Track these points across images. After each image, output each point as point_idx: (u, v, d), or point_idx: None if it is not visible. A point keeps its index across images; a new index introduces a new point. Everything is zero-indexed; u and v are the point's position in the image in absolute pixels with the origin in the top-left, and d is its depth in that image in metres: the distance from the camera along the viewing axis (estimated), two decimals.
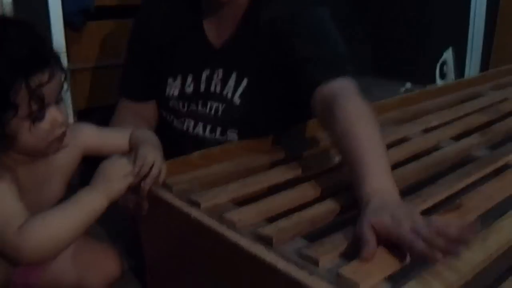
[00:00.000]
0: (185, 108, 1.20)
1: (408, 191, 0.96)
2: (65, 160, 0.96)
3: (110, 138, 1.02)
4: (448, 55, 3.08)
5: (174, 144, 1.10)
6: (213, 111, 1.17)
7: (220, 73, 1.16)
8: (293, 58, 1.07)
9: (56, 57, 0.84)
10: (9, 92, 0.78)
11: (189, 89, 1.18)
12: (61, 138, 0.88)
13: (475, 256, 0.72)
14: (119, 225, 0.96)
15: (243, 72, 1.15)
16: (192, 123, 1.20)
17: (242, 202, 0.91)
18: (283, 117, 1.16)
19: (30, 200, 0.86)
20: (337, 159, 1.08)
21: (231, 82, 1.15)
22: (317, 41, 1.07)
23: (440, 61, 3.08)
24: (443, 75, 3.09)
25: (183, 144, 1.00)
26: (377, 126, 0.90)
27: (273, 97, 1.14)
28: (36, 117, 0.82)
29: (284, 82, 1.11)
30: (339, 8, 3.25)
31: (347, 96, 0.95)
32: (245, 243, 0.75)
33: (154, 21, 1.21)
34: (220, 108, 1.17)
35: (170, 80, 1.20)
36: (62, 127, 0.87)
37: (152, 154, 0.92)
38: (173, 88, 1.19)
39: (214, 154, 1.09)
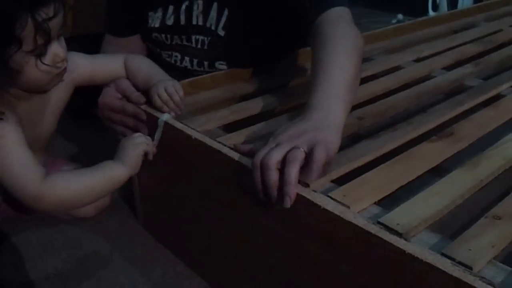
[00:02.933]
0: (169, 41, 1.15)
1: (399, 119, 0.95)
2: (59, 94, 0.95)
3: (103, 66, 1.00)
4: None
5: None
6: (199, 45, 1.13)
7: (199, 4, 1.10)
8: None
9: None
10: (14, 25, 0.76)
11: (170, 21, 1.13)
12: (62, 73, 0.88)
13: (466, 181, 0.71)
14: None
15: (223, 2, 1.09)
16: (178, 56, 1.16)
17: (231, 128, 0.90)
18: (272, 48, 1.12)
19: (26, 135, 0.86)
20: None
21: (213, 13, 1.10)
22: None
23: None
24: (435, 7, 3.03)
25: (173, 75, 0.97)
26: (355, 52, 0.86)
27: (259, 27, 1.09)
28: (40, 52, 0.81)
29: (269, 10, 1.06)
30: None
31: (335, 23, 0.92)
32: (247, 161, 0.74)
33: None
34: (206, 41, 1.12)
35: (151, 13, 1.14)
36: (63, 62, 0.87)
37: (169, 87, 0.91)
38: (155, 20, 1.14)
39: (204, 82, 1.07)
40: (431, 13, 3.03)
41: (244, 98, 1.03)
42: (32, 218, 1.07)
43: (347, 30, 0.91)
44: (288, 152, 0.66)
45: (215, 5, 1.09)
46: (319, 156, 0.66)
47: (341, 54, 0.84)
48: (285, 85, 1.10)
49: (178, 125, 0.86)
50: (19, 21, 0.76)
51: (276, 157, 0.66)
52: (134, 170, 0.90)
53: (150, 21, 1.15)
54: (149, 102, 0.92)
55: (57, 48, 0.84)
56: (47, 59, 0.83)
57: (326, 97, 0.76)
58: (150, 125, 0.92)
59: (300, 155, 0.66)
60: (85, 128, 1.41)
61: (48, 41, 0.82)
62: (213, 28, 1.10)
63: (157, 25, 1.14)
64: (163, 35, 1.15)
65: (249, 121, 0.94)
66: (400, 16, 3.00)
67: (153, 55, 1.19)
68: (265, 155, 0.66)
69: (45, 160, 1.04)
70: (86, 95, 0.99)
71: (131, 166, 0.89)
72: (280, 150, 0.67)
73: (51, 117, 0.99)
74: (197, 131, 0.84)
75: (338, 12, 0.95)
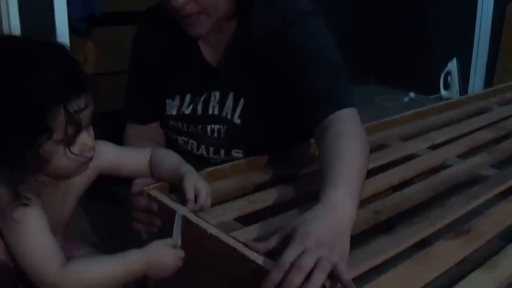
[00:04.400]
0: (185, 129, 1.18)
1: (416, 211, 0.95)
2: (82, 179, 0.96)
3: (128, 158, 1.02)
4: (453, 65, 3.07)
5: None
6: (215, 134, 1.15)
7: (217, 95, 1.14)
8: (290, 85, 1.05)
9: (90, 82, 0.84)
10: (47, 116, 0.77)
11: (188, 110, 1.16)
12: (88, 161, 0.89)
13: (485, 284, 0.71)
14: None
15: (240, 92, 1.12)
16: (194, 144, 1.18)
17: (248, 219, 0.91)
18: (287, 134, 1.14)
19: (48, 220, 0.87)
20: None
21: (229, 103, 1.13)
22: (314, 66, 1.04)
23: (445, 72, 3.08)
24: (447, 86, 3.09)
25: (189, 162, 0.99)
26: (363, 147, 0.92)
27: (273, 115, 1.12)
28: (69, 141, 0.82)
29: (282, 100, 1.09)
30: (343, 14, 3.27)
31: (342, 122, 0.96)
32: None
33: (150, 43, 1.20)
34: (222, 130, 1.14)
35: (169, 101, 1.18)
36: (91, 151, 0.88)
37: (199, 183, 0.92)
38: (172, 108, 1.18)
39: (224, 171, 1.08)
40: (443, 91, 3.08)
41: (262, 186, 1.04)
42: None
43: (356, 130, 0.95)
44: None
45: (231, 94, 1.13)
46: (345, 277, 0.68)
47: (350, 151, 0.89)
48: (301, 173, 1.11)
49: (194, 218, 0.87)
50: (52, 112, 0.78)
51: (310, 262, 0.68)
52: (156, 274, 0.88)
53: (168, 109, 1.18)
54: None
55: (85, 137, 0.85)
56: (76, 148, 0.84)
57: (338, 194, 0.81)
58: (165, 216, 0.92)
59: (328, 266, 0.68)
60: (101, 208, 1.43)
61: (78, 131, 0.83)
62: (229, 117, 1.13)
63: (174, 112, 1.17)
64: (179, 123, 1.18)
65: (265, 211, 0.95)
66: (412, 94, 3.06)
67: (170, 141, 1.22)
68: (300, 258, 0.68)
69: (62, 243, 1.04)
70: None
71: (155, 270, 0.87)
72: (312, 256, 0.68)
73: (72, 202, 1.00)
74: (212, 224, 0.85)
75: (348, 113, 0.98)
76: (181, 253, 0.89)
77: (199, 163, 1.08)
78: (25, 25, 1.73)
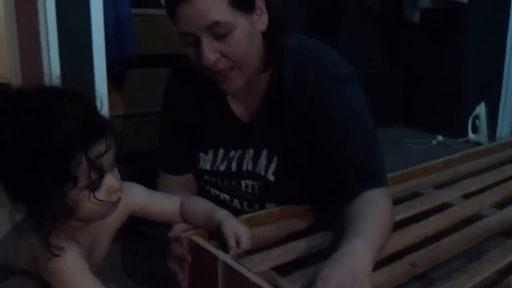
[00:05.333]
0: (219, 183, 1.19)
1: (452, 263, 0.95)
2: (113, 221, 0.97)
3: (158, 201, 1.03)
4: (481, 109, 3.06)
5: None
6: (249, 189, 1.16)
7: (251, 152, 1.14)
8: (323, 151, 1.05)
9: (109, 126, 0.85)
10: (69, 164, 0.78)
11: (222, 166, 1.17)
12: (116, 202, 0.90)
13: None
14: None
15: (273, 149, 1.12)
16: (228, 198, 1.20)
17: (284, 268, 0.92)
18: (321, 189, 1.12)
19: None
20: None
21: (263, 160, 1.14)
22: (350, 137, 1.03)
23: (473, 115, 3.07)
24: (475, 129, 3.07)
25: None
26: (388, 216, 0.96)
27: (307, 171, 1.11)
28: (94, 186, 0.83)
29: (315, 160, 1.08)
30: (371, 57, 3.31)
31: (372, 198, 0.98)
32: None
33: (180, 96, 1.20)
34: (256, 186, 1.15)
35: (202, 155, 1.19)
36: (118, 193, 0.88)
37: (240, 228, 0.94)
38: (206, 162, 1.19)
39: (260, 218, 1.10)
40: (471, 135, 3.06)
41: (296, 235, 1.05)
42: None
43: (384, 203, 0.98)
44: None
45: (265, 151, 1.13)
46: None
47: (374, 214, 0.94)
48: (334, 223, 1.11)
49: (236, 266, 0.87)
50: (73, 161, 0.78)
51: None
52: None
53: (201, 163, 1.19)
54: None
55: (110, 180, 0.86)
56: (102, 191, 0.85)
57: (357, 241, 0.85)
58: (206, 262, 0.93)
59: None
60: (134, 247, 1.44)
61: (101, 176, 0.83)
62: (262, 173, 1.13)
63: (208, 167, 1.18)
64: (213, 178, 1.19)
65: (300, 260, 0.95)
66: (440, 138, 3.04)
67: (203, 193, 1.23)
68: None
69: None
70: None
71: None
72: None
73: (105, 242, 1.01)
74: (255, 273, 0.85)
75: (380, 192, 1.00)
76: None
77: (233, 213, 1.09)
78: (65, 68, 1.78)
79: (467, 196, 1.30)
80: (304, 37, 1.13)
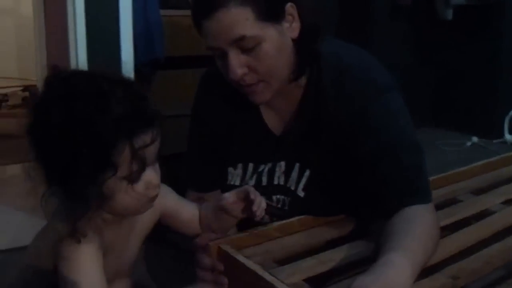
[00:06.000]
0: None
1: (492, 276, 0.90)
2: (145, 220, 0.95)
3: (185, 206, 1.01)
4: None
5: (244, 227, 1.05)
6: (279, 204, 1.12)
7: (282, 165, 1.10)
8: (363, 165, 1.00)
9: (159, 118, 0.82)
10: (112, 151, 0.76)
11: (252, 181, 1.13)
12: (153, 199, 0.86)
13: None
14: None
15: (305, 163, 1.08)
16: None
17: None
18: (352, 205, 1.08)
19: (112, 261, 0.87)
20: None
21: (294, 174, 1.09)
22: (393, 151, 0.98)
23: (509, 115, 2.98)
24: (511, 130, 2.98)
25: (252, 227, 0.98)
26: (432, 231, 0.92)
27: (339, 187, 1.06)
28: (134, 178, 0.80)
29: (349, 176, 1.03)
30: (403, 57, 3.23)
31: (418, 216, 0.94)
32: None
33: (210, 109, 1.16)
34: (286, 201, 1.11)
35: (230, 169, 1.15)
36: (156, 189, 0.85)
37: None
38: (235, 177, 1.14)
39: (292, 226, 1.05)
40: (507, 136, 2.98)
41: (329, 244, 1.01)
42: None
43: (428, 218, 0.94)
44: None
45: (297, 166, 1.09)
46: None
47: (417, 229, 0.89)
48: (370, 231, 1.07)
49: (268, 277, 0.84)
50: (117, 148, 0.76)
51: None
52: None
53: (229, 178, 1.15)
54: None
55: (151, 175, 0.82)
56: (140, 185, 0.82)
57: (396, 255, 0.81)
58: (235, 272, 0.90)
59: None
60: (159, 253, 1.43)
61: (142, 168, 0.81)
62: (292, 188, 1.09)
63: (237, 183, 1.14)
64: None
65: (335, 271, 0.92)
66: (474, 139, 2.96)
67: None
68: None
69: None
70: None
71: None
72: None
73: (136, 242, 0.98)
74: (287, 284, 0.82)
75: (424, 209, 0.96)
76: None
77: None
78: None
79: (508, 202, 1.24)
80: (340, 41, 1.09)
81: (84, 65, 1.80)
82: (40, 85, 2.45)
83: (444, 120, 3.31)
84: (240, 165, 1.14)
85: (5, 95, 4.06)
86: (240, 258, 0.90)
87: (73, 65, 1.76)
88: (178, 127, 1.94)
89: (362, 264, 0.95)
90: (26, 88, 3.95)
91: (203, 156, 1.19)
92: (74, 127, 0.75)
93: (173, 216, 1.00)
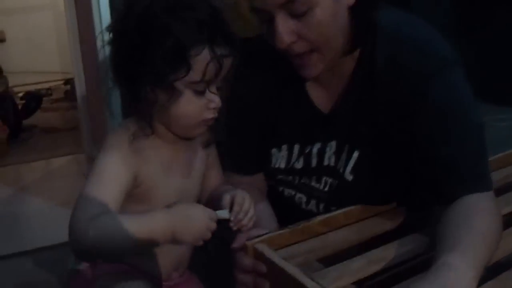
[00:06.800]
0: (296, 181, 1.05)
1: None
2: (199, 158, 0.98)
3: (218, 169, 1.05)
4: None
5: (287, 216, 0.97)
6: (327, 187, 1.02)
7: (333, 145, 1.00)
8: (419, 145, 0.91)
9: (238, 43, 0.86)
10: (190, 51, 0.80)
11: (299, 163, 1.04)
12: (209, 121, 0.89)
13: None
14: None
15: (355, 143, 0.98)
16: (304, 199, 1.05)
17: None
18: (403, 190, 0.98)
19: (175, 183, 0.92)
20: None
21: (344, 156, 0.99)
22: (456, 132, 0.89)
23: None
24: None
25: (295, 218, 0.88)
26: (496, 224, 0.82)
27: (391, 170, 0.96)
28: (201, 87, 0.84)
29: (401, 158, 0.94)
30: (444, 33, 3.04)
31: (476, 202, 0.84)
32: None
33: (252, 86, 1.06)
34: (334, 185, 1.01)
35: (274, 151, 1.06)
36: (214, 112, 0.87)
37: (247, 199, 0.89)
38: (279, 160, 1.05)
39: (337, 219, 0.96)
40: None
41: (380, 239, 0.91)
42: None
43: (490, 208, 0.85)
44: None
45: (346, 146, 0.99)
46: None
47: (479, 221, 0.80)
48: (426, 223, 0.96)
49: (309, 283, 0.74)
50: (195, 48, 0.80)
51: None
52: (184, 236, 0.82)
53: (273, 161, 1.06)
54: None
55: (214, 95, 0.86)
56: (203, 100, 0.85)
57: (455, 256, 0.72)
58: (272, 276, 0.81)
59: None
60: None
61: (213, 80, 0.84)
62: (341, 170, 1.00)
63: (282, 166, 1.05)
64: (290, 176, 1.05)
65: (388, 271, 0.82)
66: None
67: (275, 194, 1.09)
68: None
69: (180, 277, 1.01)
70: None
71: (182, 229, 0.81)
72: None
73: (195, 179, 0.98)
74: None
75: (485, 197, 0.86)
76: (212, 214, 0.84)
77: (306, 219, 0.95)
78: None
79: None
80: (398, 10, 0.97)
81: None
82: (77, 78, 2.45)
83: (490, 95, 3.09)
84: (285, 147, 1.05)
85: (49, 89, 4.14)
86: (277, 260, 0.80)
87: (100, 56, 1.72)
88: None
89: (419, 262, 0.85)
90: (67, 82, 3.98)
91: (243, 138, 1.09)
92: (156, 19, 0.79)
93: (207, 176, 1.01)
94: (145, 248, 0.89)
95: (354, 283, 0.78)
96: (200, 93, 0.84)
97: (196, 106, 0.84)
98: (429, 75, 0.88)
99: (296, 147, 1.04)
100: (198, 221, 0.82)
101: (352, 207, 0.99)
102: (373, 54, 0.93)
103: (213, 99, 0.85)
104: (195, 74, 0.81)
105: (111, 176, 0.83)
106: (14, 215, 2.23)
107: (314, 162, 1.02)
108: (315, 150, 1.02)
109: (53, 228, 1.76)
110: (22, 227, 2.14)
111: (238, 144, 1.09)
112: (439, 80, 0.88)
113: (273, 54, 0.93)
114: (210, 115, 0.87)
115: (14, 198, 2.42)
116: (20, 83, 3.92)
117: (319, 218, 0.95)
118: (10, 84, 3.50)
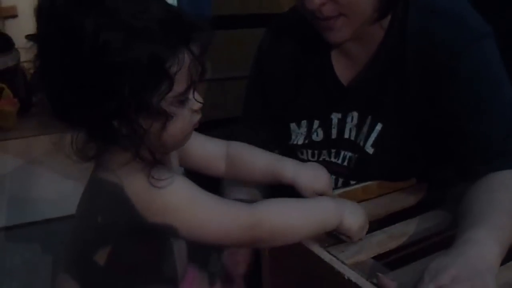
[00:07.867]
0: (315, 158, 1.02)
1: None
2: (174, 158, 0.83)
3: (199, 140, 0.88)
4: None
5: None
6: (345, 162, 0.99)
7: (355, 117, 0.97)
8: (448, 119, 0.88)
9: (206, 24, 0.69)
10: (167, 60, 0.63)
11: (318, 137, 1.01)
12: (196, 125, 0.73)
13: None
14: None
15: (378, 115, 0.95)
16: None
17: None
18: (427, 166, 0.96)
19: None
20: None
21: (365, 128, 0.96)
22: (488, 106, 0.85)
23: None
24: None
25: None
26: None
27: (411, 147, 0.94)
28: (185, 97, 0.67)
29: (427, 132, 0.91)
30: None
31: (505, 179, 0.80)
32: None
33: (276, 59, 1.04)
34: (353, 159, 0.98)
35: (293, 126, 1.03)
36: (199, 114, 0.72)
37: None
38: (299, 136, 1.03)
39: (355, 194, 0.93)
40: None
41: (400, 214, 0.88)
42: None
43: None
44: None
45: (369, 119, 0.96)
46: None
47: (505, 199, 0.76)
48: (449, 198, 0.93)
49: (326, 257, 0.73)
50: (171, 56, 0.63)
51: None
52: (346, 228, 0.76)
53: (293, 137, 1.03)
54: None
55: (196, 95, 0.70)
56: (188, 108, 0.69)
57: (480, 231, 0.70)
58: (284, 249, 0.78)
59: None
60: None
61: (196, 82, 0.68)
62: (361, 144, 0.97)
63: (300, 142, 1.02)
64: (309, 152, 1.02)
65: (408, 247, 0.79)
66: None
67: None
68: None
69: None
70: None
71: (347, 221, 0.76)
72: None
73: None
74: (349, 266, 0.71)
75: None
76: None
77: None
78: None
79: None
80: None
81: None
82: None
83: None
84: (304, 122, 1.02)
85: None
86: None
87: None
88: (226, 91, 1.83)
89: (439, 239, 0.82)
90: None
91: (262, 113, 1.08)
92: (110, 34, 0.60)
93: (185, 155, 0.86)
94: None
95: (373, 257, 0.76)
96: (185, 101, 0.69)
97: (185, 118, 0.69)
98: (462, 49, 0.85)
99: (316, 124, 1.01)
100: (358, 220, 0.77)
101: (371, 182, 0.96)
102: (404, 23, 0.90)
103: (197, 99, 0.70)
104: (179, 86, 0.65)
105: None
106: (25, 186, 2.23)
107: (334, 133, 1.00)
108: (335, 120, 0.99)
109: (62, 200, 1.75)
110: (32, 198, 2.14)
111: (256, 121, 1.08)
112: (472, 54, 0.85)
113: (301, 28, 0.92)
114: (198, 117, 0.72)
115: (24, 170, 2.41)
116: (32, 58, 3.90)
117: (337, 192, 0.93)
118: (22, 59, 3.48)
